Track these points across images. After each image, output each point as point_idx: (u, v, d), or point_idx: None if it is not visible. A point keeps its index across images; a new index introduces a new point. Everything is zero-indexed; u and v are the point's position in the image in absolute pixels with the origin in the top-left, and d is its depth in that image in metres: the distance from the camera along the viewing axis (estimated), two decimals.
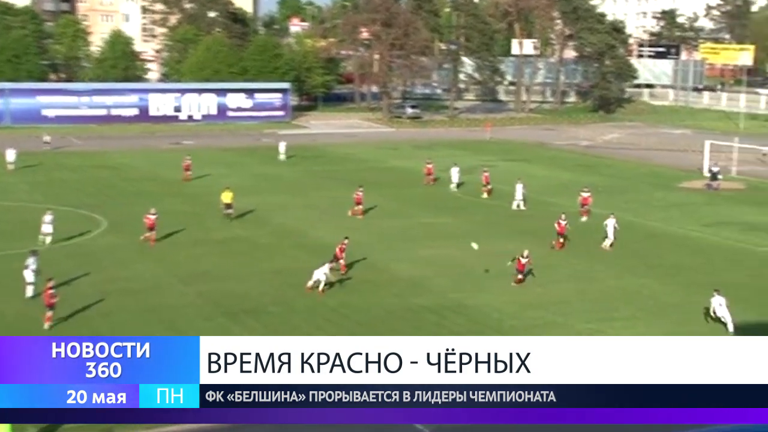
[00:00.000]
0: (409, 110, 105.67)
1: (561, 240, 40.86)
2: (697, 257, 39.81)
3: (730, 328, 30.17)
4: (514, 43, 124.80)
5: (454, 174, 56.55)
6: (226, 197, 46.19)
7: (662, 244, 42.35)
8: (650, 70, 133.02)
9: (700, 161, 66.72)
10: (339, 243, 36.61)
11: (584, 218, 46.87)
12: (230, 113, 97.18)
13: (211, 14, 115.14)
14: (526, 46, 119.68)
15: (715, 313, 30.72)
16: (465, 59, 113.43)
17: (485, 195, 53.78)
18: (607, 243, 40.76)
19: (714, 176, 58.61)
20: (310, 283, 33.19)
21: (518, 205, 50.02)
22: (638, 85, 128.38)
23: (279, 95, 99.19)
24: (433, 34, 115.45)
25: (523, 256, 34.94)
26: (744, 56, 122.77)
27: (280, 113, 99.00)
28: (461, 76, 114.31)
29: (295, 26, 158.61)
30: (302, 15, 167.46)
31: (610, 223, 41.00)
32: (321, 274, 33.15)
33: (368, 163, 70.19)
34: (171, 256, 38.65)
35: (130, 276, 35.53)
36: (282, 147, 69.87)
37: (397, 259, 38.85)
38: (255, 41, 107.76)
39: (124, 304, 31.69)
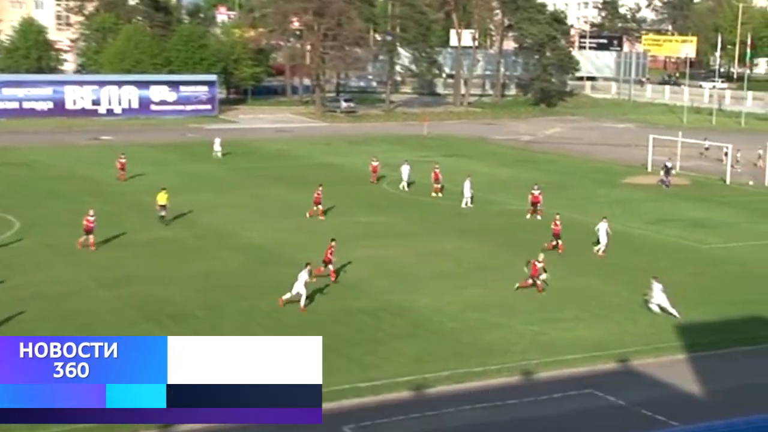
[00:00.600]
0: (344, 104, 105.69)
1: (555, 242, 40.29)
2: (640, 256, 40.70)
3: (677, 314, 31.31)
4: (452, 33, 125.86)
5: (405, 172, 56.24)
6: (162, 198, 45.55)
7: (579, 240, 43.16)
8: (592, 62, 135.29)
9: (644, 156, 68.16)
10: (327, 246, 35.75)
11: (529, 216, 47.53)
12: (153, 107, 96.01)
13: (132, 1, 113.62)
14: (465, 37, 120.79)
15: (659, 305, 31.70)
16: (401, 50, 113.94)
17: (435, 194, 54.00)
18: (600, 248, 39.88)
19: (667, 171, 60.04)
20: (286, 296, 31.73)
21: (466, 203, 50.66)
22: (580, 78, 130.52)
23: (205, 88, 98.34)
24: (367, 24, 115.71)
25: (538, 260, 34.63)
26: (687, 48, 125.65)
27: (207, 107, 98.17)
28: (397, 68, 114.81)
29: (222, 15, 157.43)
30: (229, 3, 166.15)
31: (602, 228, 40.10)
32: (301, 285, 31.57)
33: (301, 159, 70.10)
34: (90, 259, 38.17)
35: (46, 280, 34.99)
36: (217, 144, 69.16)
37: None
38: (179, 31, 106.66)
39: (39, 311, 31.19)
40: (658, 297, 32.13)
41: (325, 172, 63.97)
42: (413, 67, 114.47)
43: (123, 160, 58.66)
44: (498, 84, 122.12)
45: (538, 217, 47.17)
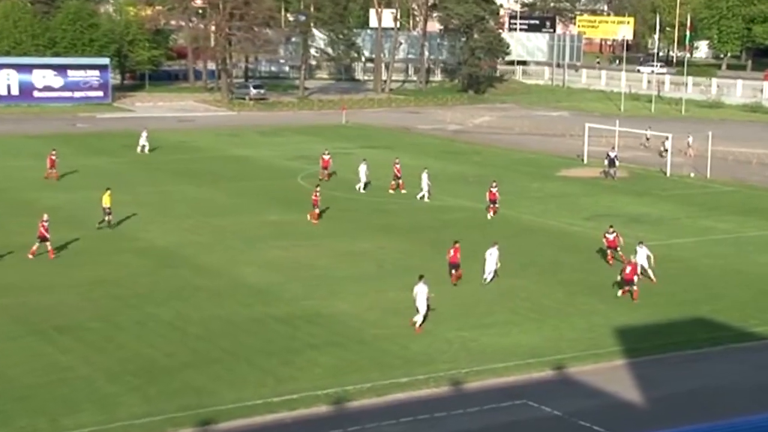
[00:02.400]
0: (253, 91, 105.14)
1: (613, 254, 39.19)
2: (576, 254, 41.32)
3: (653, 276, 33.66)
4: (372, 13, 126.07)
5: (362, 172, 55.23)
6: (106, 200, 44.48)
7: (539, 240, 43.76)
8: (523, 45, 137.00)
9: (580, 147, 69.28)
10: (452, 248, 35.99)
11: (491, 215, 47.86)
12: (37, 93, 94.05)
13: None
14: (386, 18, 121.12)
15: (643, 267, 33.89)
16: (316, 32, 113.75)
17: (393, 190, 53.91)
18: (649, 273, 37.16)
19: (612, 162, 61.09)
20: (418, 319, 30.82)
21: (423, 196, 51.04)
22: (511, 62, 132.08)
23: (96, 72, 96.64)
24: (278, 3, 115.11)
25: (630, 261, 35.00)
26: (623, 30, 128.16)
27: (99, 94, 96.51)
28: (312, 52, 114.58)
29: None
30: None
31: (642, 253, 37.20)
32: (423, 302, 30.57)
33: (206, 152, 69.45)
34: None
35: None
36: (144, 138, 66.91)
37: (241, 263, 38.71)
38: (65, 8, 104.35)
39: None
40: (641, 259, 34.63)
41: (232, 165, 63.51)
42: (329, 50, 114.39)
43: (53, 157, 56.86)
44: (422, 69, 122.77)
45: (490, 215, 47.56)
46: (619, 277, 35.52)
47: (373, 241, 42.82)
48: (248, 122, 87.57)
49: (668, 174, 62.24)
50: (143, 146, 66.93)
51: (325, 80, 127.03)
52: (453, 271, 36.24)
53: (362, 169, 54.95)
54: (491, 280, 36.04)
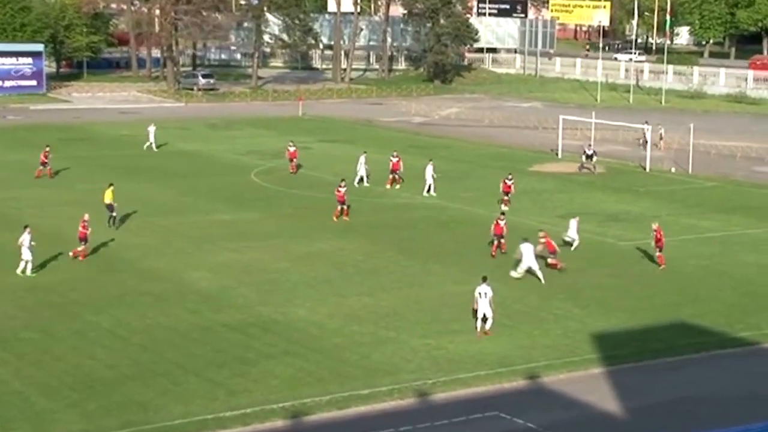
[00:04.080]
0: (202, 80, 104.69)
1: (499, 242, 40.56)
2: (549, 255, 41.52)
3: (542, 278, 36.07)
4: None
5: (361, 166, 55.51)
6: (108, 196, 44.58)
7: (510, 240, 43.81)
8: (493, 31, 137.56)
9: (554, 140, 69.60)
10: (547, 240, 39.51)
11: (506, 208, 48.50)
12: None
13: None
14: (345, 2, 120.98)
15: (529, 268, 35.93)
16: (270, 17, 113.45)
17: (390, 185, 54.27)
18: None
19: (589, 158, 61.46)
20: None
21: (428, 190, 52.12)
22: (480, 50, 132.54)
23: (29, 60, 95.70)
24: None
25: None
26: (599, 15, 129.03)
27: (32, 83, 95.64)
28: (266, 38, 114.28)
29: None
30: None
31: (573, 225, 41.05)
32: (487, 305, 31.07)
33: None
34: None
35: None
36: (152, 133, 65.97)
37: (189, 266, 38.51)
38: None
39: None
40: (528, 259, 36.43)
41: (180, 161, 63.17)
42: (284, 36, 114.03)
43: (48, 153, 56.29)
44: (384, 57, 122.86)
45: (505, 208, 48.10)
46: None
47: (332, 241, 42.77)
48: (197, 114, 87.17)
49: (648, 169, 62.72)
50: (152, 143, 66.00)
51: (280, 69, 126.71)
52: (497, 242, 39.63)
53: (361, 161, 55.48)
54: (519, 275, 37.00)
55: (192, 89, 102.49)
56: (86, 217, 39.81)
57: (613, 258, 41.43)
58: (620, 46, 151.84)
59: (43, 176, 55.55)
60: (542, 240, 38.56)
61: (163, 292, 35.18)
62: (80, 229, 39.26)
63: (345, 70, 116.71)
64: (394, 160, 55.29)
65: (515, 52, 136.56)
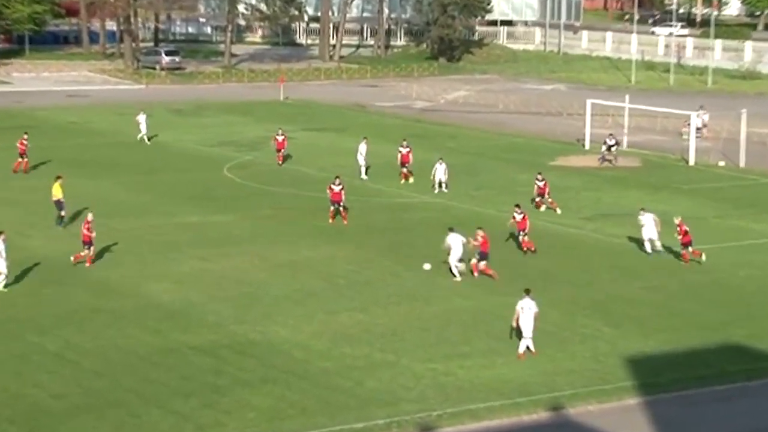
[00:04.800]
0: (165, 58, 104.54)
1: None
2: (573, 263, 41.41)
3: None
4: None
5: (361, 156, 56.05)
6: (57, 191, 44.80)
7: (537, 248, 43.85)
8: (509, 0, 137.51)
9: (580, 129, 69.55)
10: None
11: (543, 208, 48.97)
12: None
13: None
14: None
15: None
16: None
17: (403, 180, 54.71)
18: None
19: (609, 149, 61.47)
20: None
21: (438, 188, 52.21)
22: (493, 22, 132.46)
23: None
24: None
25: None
26: None
27: None
28: (240, 8, 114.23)
29: None
30: None
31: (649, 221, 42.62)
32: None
33: (104, 136, 68.91)
34: None
35: None
36: (143, 122, 65.84)
37: (150, 277, 38.42)
38: None
39: None
40: (455, 251, 38.18)
41: (139, 153, 63.08)
42: (263, 6, 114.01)
43: (25, 142, 56.67)
44: (381, 31, 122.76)
45: (541, 209, 48.73)
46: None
47: (319, 248, 42.66)
48: (159, 98, 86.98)
49: (691, 162, 62.70)
50: (144, 135, 65.76)
51: (258, 45, 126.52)
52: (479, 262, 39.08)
53: (361, 149, 56.07)
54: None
55: (154, 68, 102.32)
56: (89, 217, 40.15)
57: (650, 268, 41.31)
58: (659, 17, 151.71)
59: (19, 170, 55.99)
60: (479, 239, 38.80)
61: (120, 308, 35.06)
62: (84, 231, 39.64)
63: (334, 46, 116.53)
64: (404, 150, 55.29)
65: (534, 25, 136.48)
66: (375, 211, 49.45)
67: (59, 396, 28.06)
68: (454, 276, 38.56)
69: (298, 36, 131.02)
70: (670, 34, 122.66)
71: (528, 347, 31.46)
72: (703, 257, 41.00)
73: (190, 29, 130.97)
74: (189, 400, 27.96)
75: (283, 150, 59.52)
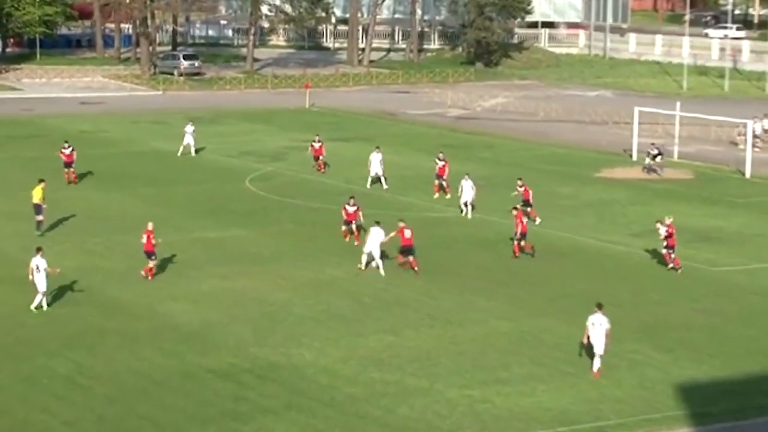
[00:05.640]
0: (184, 63, 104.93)
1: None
2: (621, 283, 41.23)
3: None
4: None
5: (375, 162, 56.66)
6: (38, 195, 45.36)
7: (571, 265, 43.66)
8: (550, 0, 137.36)
9: (627, 139, 69.30)
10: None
11: (538, 221, 49.08)
12: None
13: None
14: None
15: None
16: None
17: (438, 193, 54.81)
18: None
19: (654, 159, 61.24)
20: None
21: (465, 210, 51.17)
22: (533, 24, 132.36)
23: None
24: None
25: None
26: None
27: None
28: (264, 9, 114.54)
29: None
30: None
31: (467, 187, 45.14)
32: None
33: (119, 145, 69.17)
34: None
35: None
36: (189, 133, 65.39)
37: (166, 297, 38.51)
38: None
39: None
40: (371, 244, 41.35)
41: (155, 164, 63.25)
42: (287, 7, 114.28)
43: (67, 151, 57.44)
44: (413, 33, 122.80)
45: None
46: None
47: (345, 266, 42.63)
48: (177, 105, 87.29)
49: (748, 174, 62.38)
50: (187, 145, 65.32)
51: (282, 49, 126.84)
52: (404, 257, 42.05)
53: (375, 159, 56.46)
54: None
55: (171, 74, 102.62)
56: (150, 226, 40.70)
57: (704, 288, 41.12)
58: (713, 18, 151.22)
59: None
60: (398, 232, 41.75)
61: (133, 329, 35.13)
62: (144, 241, 40.38)
63: (363, 50, 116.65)
64: (441, 163, 55.18)
65: (578, 27, 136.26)
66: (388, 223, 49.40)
67: (70, 423, 28.11)
68: (360, 264, 41.95)
69: (324, 39, 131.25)
70: (725, 37, 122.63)
71: (599, 366, 31.84)
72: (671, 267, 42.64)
73: (210, 32, 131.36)
74: (207, 427, 27.97)
75: (322, 157, 60.18)
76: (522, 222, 44.09)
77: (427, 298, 38.98)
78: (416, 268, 41.41)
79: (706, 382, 31.85)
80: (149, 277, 40.39)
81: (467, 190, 51.18)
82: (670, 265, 42.63)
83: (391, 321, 36.41)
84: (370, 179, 56.85)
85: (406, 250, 41.84)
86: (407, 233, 41.66)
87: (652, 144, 63.10)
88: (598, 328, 31.74)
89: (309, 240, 46.60)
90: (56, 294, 38.40)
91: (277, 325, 35.89)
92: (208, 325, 35.76)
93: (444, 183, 54.96)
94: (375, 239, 41.54)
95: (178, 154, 65.05)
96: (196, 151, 65.48)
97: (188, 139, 65.34)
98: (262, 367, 32.22)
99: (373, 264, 41.53)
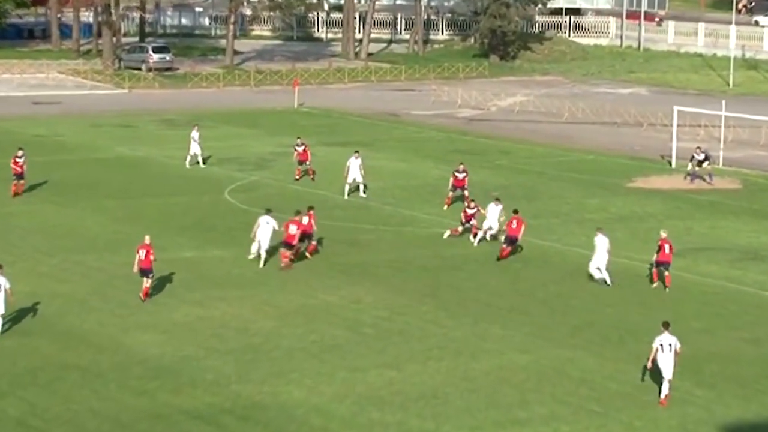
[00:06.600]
0: (154, 56, 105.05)
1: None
2: (657, 310, 41.15)
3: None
4: None
5: (354, 168, 56.95)
6: None
7: (599, 289, 43.69)
8: None
9: (665, 143, 69.36)
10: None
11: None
12: None
13: None
14: None
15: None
16: None
17: (448, 206, 54.87)
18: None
19: (700, 165, 61.36)
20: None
21: (486, 236, 50.06)
22: (557, 11, 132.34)
23: None
24: None
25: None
26: None
27: None
28: None
29: None
30: None
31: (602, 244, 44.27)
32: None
33: (78, 152, 69.34)
34: None
35: None
36: (195, 141, 64.30)
37: (134, 326, 38.55)
38: None
39: None
40: (262, 236, 44.66)
41: (121, 173, 63.26)
42: None
43: (20, 160, 57.54)
44: (418, 22, 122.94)
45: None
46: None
47: (341, 290, 42.72)
48: (146, 105, 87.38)
49: None
50: (195, 155, 64.78)
51: (267, 40, 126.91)
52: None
53: (354, 164, 56.80)
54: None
55: (139, 69, 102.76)
56: (147, 240, 41.30)
57: (753, 315, 41.24)
58: (753, 4, 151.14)
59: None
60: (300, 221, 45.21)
61: (96, 364, 35.17)
62: (142, 257, 41.01)
63: (360, 41, 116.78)
64: (461, 176, 54.87)
65: (609, 14, 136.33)
66: (410, 245, 49.44)
67: None
68: (251, 252, 45.73)
69: (316, 29, 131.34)
70: None
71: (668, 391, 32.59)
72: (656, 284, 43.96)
73: (184, 21, 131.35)
74: None
75: (306, 162, 60.52)
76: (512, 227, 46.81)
77: (434, 326, 39.05)
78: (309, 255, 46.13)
79: (755, 422, 31.99)
80: (142, 297, 40.93)
81: (493, 216, 49.51)
82: (655, 284, 43.79)
83: (393, 353, 36.46)
84: (347, 187, 56.99)
85: (304, 238, 45.96)
86: (292, 229, 44.94)
87: (698, 148, 63.07)
88: (668, 350, 32.49)
89: (298, 261, 46.66)
90: (5, 324, 38.43)
91: (262, 358, 35.93)
92: (182, 359, 35.79)
93: (465, 192, 54.35)
94: (266, 229, 45.27)
95: (187, 165, 64.79)
96: (204, 161, 64.98)
97: (194, 148, 64.63)
98: (244, 407, 32.29)
99: (262, 256, 45.42)
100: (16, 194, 56.62)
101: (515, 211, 47.22)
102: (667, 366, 32.50)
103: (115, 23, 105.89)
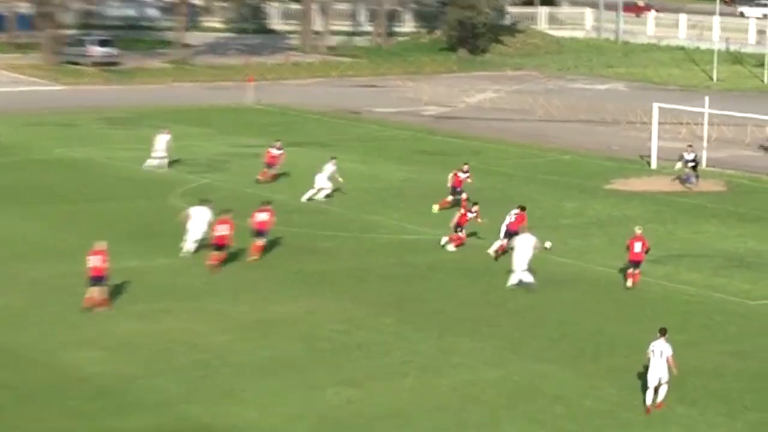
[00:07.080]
0: (97, 49, 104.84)
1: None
2: (637, 321, 41.25)
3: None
4: None
5: (326, 174, 57.46)
6: None
7: (576, 298, 43.76)
8: None
9: (645, 142, 69.49)
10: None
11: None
12: None
13: None
14: None
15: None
16: None
17: (439, 208, 55.22)
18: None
19: (695, 167, 61.60)
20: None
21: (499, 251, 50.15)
22: (529, 2, 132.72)
23: None
24: None
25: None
26: None
27: None
28: None
29: None
30: None
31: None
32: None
33: (14, 153, 69.17)
34: None
35: None
36: (162, 144, 64.63)
37: (71, 343, 38.32)
38: None
39: None
40: (195, 228, 46.76)
41: (60, 175, 63.06)
42: None
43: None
44: (381, 14, 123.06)
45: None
46: None
47: (297, 301, 42.64)
48: (88, 102, 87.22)
49: None
50: (162, 158, 64.83)
51: (220, 32, 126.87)
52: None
53: (327, 170, 57.54)
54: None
55: (80, 63, 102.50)
56: (101, 245, 41.81)
57: (738, 326, 41.35)
58: None
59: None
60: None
61: (30, 383, 34.92)
62: (96, 264, 41.07)
63: (320, 33, 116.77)
64: (463, 176, 55.28)
65: (585, 5, 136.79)
66: (372, 252, 49.39)
67: None
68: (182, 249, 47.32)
69: (271, 20, 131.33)
70: (765, 16, 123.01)
71: (657, 401, 33.02)
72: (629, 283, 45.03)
73: (130, 12, 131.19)
74: None
75: (274, 166, 61.00)
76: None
77: (398, 340, 38.95)
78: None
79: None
80: (100, 307, 40.96)
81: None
82: (629, 282, 44.86)
83: (352, 369, 36.33)
84: (311, 192, 57.31)
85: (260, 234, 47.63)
86: (220, 229, 46.10)
87: (689, 146, 63.22)
88: (659, 356, 33.03)
89: (251, 270, 46.53)
90: None
91: (212, 376, 35.76)
92: (125, 377, 35.57)
93: (464, 195, 54.60)
94: (198, 223, 47.24)
95: (144, 167, 64.99)
96: (170, 164, 65.18)
97: (160, 152, 64.86)
98: (192, 429, 32.17)
99: (189, 247, 47.41)
100: None
101: (522, 208, 48.76)
102: (663, 372, 32.92)
103: (55, 14, 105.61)
